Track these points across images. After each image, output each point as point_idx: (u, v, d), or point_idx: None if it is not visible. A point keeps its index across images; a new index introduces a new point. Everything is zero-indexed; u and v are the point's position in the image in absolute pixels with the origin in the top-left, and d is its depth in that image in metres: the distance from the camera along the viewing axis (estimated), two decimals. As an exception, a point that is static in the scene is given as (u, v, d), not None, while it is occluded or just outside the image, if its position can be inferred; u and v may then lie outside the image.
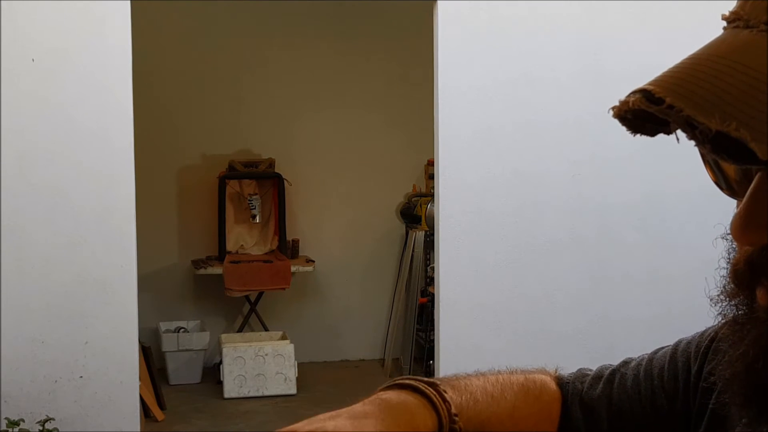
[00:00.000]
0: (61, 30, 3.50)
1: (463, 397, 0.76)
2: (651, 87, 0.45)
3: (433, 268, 5.07)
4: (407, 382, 0.72)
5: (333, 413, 0.66)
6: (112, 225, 3.59)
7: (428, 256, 6.05)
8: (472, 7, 3.89)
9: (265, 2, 6.20)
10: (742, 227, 0.49)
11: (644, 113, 0.46)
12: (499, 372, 0.87)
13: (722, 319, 0.56)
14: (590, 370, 0.90)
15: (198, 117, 6.34)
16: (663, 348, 0.85)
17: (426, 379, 0.74)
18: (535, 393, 0.86)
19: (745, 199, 0.49)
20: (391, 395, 0.69)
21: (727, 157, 0.44)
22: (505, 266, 3.95)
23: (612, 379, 0.86)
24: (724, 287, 0.55)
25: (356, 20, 6.42)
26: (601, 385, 0.86)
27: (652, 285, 4.06)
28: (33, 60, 3.48)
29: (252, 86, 6.40)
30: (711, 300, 0.56)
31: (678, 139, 0.47)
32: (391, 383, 0.73)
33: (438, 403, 0.70)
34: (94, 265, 3.57)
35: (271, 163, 6.31)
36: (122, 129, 3.58)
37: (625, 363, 0.88)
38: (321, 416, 0.65)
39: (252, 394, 5.61)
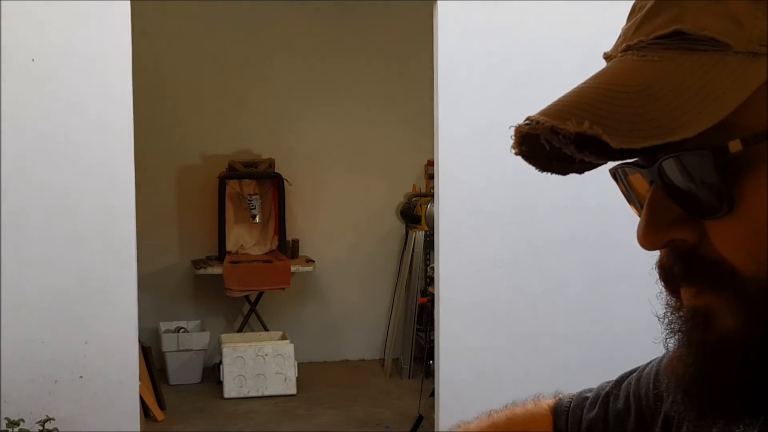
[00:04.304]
0: (61, 30, 3.50)
1: None
2: (531, 115, 0.55)
3: (433, 268, 5.07)
4: None
5: None
6: (112, 225, 3.59)
7: (428, 256, 6.05)
8: (472, 7, 3.89)
9: (266, 2, 6.20)
10: (642, 233, 0.57)
11: (537, 147, 0.56)
12: (494, 412, 0.94)
13: (669, 334, 0.59)
14: (590, 391, 0.92)
15: (198, 117, 6.34)
16: (652, 361, 0.85)
17: None
18: None
19: (643, 210, 0.57)
20: None
21: (590, 154, 0.54)
22: (505, 266, 3.95)
23: (606, 401, 0.88)
24: (666, 302, 0.60)
25: (356, 20, 6.42)
26: (596, 409, 0.88)
27: (653, 285, 4.05)
28: (33, 60, 3.48)
29: (252, 86, 6.40)
30: (659, 319, 0.60)
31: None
32: None
33: None
34: (94, 265, 3.57)
35: (271, 163, 6.32)
36: (122, 129, 3.58)
37: (618, 382, 0.89)
38: None
39: (252, 394, 5.61)
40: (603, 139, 0.50)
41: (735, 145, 0.51)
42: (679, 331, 0.58)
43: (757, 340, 0.53)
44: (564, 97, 0.55)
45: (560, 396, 0.94)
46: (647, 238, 0.56)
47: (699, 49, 0.52)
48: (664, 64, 0.53)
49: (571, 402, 0.92)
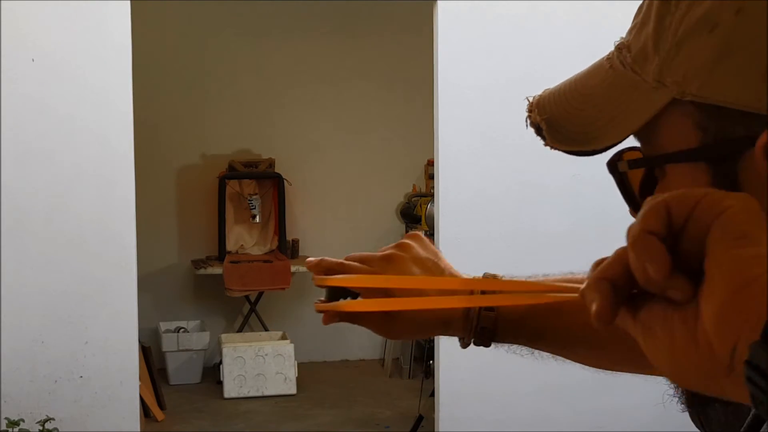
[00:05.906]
0: (61, 30, 3.50)
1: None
2: (537, 94, 0.61)
3: (433, 268, 5.06)
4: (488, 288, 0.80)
5: None
6: (112, 225, 3.59)
7: (428, 256, 6.04)
8: (472, 7, 3.89)
9: (265, 2, 6.20)
10: (630, 210, 0.60)
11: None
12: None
13: None
14: None
15: (198, 117, 6.34)
16: None
17: (511, 284, 0.80)
18: None
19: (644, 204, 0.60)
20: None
21: (543, 140, 0.59)
22: (505, 266, 3.94)
23: None
24: None
25: (356, 20, 6.42)
26: None
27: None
28: (33, 60, 3.48)
29: (252, 86, 6.40)
30: None
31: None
32: (486, 276, 0.84)
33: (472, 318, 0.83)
34: (94, 265, 3.57)
35: (271, 163, 6.32)
36: (122, 129, 3.58)
37: None
38: None
39: (252, 394, 5.61)
40: (544, 133, 0.57)
41: (623, 166, 0.56)
42: None
43: None
44: (562, 82, 0.60)
45: None
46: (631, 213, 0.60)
47: (629, 68, 0.56)
48: (611, 74, 0.57)
49: None
